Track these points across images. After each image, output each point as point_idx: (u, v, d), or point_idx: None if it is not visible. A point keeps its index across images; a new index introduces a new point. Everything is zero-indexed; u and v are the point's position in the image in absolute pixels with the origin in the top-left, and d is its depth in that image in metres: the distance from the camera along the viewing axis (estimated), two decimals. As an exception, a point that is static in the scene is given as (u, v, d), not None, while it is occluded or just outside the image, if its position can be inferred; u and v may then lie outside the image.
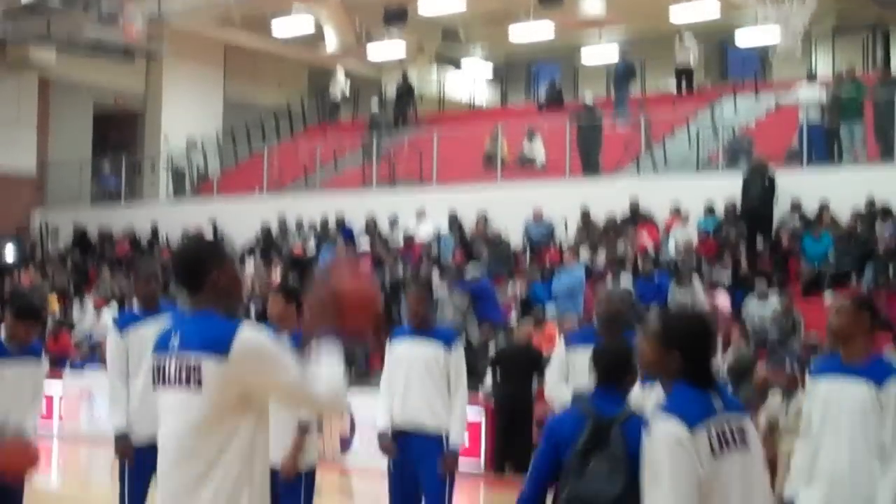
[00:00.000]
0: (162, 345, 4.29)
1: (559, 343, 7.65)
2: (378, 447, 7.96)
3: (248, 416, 4.14)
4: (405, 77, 29.22)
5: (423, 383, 7.61)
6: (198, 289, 4.29)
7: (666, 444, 3.92)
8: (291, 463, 7.22)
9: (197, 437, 4.11)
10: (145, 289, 7.77)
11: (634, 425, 4.50)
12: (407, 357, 7.72)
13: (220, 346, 4.07)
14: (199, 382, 4.10)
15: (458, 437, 7.63)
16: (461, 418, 7.69)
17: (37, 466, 4.69)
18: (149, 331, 7.09)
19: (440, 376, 7.61)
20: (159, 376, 4.25)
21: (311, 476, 7.50)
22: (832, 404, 5.80)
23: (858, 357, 5.82)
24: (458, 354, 7.74)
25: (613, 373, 4.93)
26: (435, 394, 7.60)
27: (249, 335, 4.10)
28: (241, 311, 15.61)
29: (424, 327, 7.82)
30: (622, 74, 25.49)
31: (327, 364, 4.11)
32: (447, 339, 7.76)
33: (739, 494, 4.05)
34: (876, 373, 5.78)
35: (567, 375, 7.25)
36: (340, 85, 30.60)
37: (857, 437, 5.71)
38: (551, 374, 7.42)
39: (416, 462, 7.58)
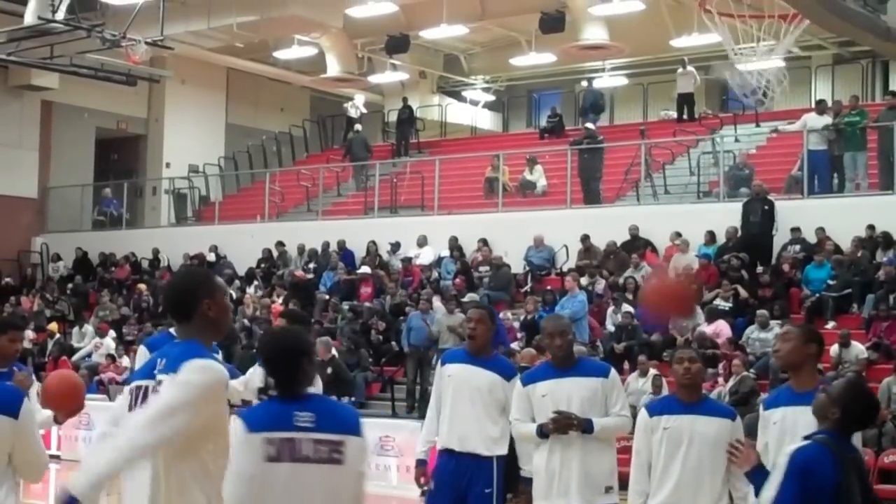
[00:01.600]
0: (147, 372, 4.36)
1: (517, 381, 7.34)
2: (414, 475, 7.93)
3: (207, 444, 4.24)
4: (407, 104, 29.29)
5: (476, 409, 7.46)
6: (187, 318, 4.33)
7: (233, 438, 4.33)
8: None
9: (163, 458, 4.20)
10: None
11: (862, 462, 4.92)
12: (465, 382, 7.50)
13: (175, 368, 4.17)
14: None
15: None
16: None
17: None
18: None
19: (494, 405, 7.46)
20: (136, 403, 4.32)
21: None
22: (787, 431, 5.86)
23: (808, 384, 5.90)
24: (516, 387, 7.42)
25: (863, 421, 5.03)
26: (487, 420, 7.46)
27: (190, 366, 4.16)
28: (234, 337, 15.59)
29: (484, 355, 7.60)
30: (589, 106, 25.74)
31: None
32: (507, 371, 7.57)
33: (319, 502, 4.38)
34: None
35: (531, 413, 7.06)
36: (357, 104, 30.66)
37: None
38: (514, 413, 7.20)
39: (466, 484, 7.46)
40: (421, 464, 7.79)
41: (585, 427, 6.83)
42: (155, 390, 4.27)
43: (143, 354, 7.54)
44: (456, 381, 7.53)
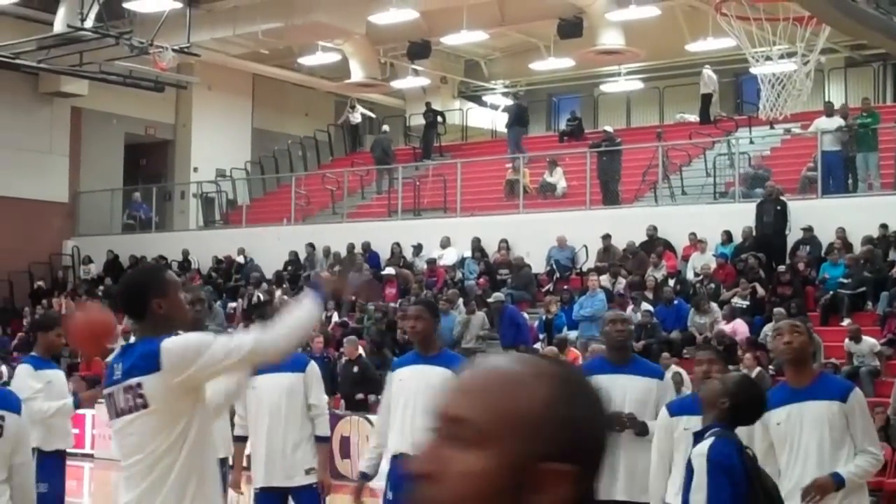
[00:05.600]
0: (109, 377, 4.47)
1: None
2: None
3: (191, 415, 4.37)
4: (431, 108, 29.64)
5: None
6: (140, 316, 4.50)
7: None
8: (326, 476, 7.59)
9: (153, 452, 4.35)
10: (190, 312, 7.67)
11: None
12: (419, 383, 6.96)
13: (151, 363, 4.29)
14: (145, 405, 4.29)
15: None
16: None
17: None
18: None
19: None
20: (112, 409, 4.41)
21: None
22: (794, 428, 5.86)
23: (807, 380, 5.92)
24: None
25: (751, 415, 5.10)
26: None
27: (171, 342, 4.34)
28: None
29: (433, 352, 7.10)
30: (513, 118, 26.15)
31: (298, 310, 4.41)
32: (456, 365, 6.85)
33: None
34: (831, 390, 5.91)
35: None
36: (358, 111, 31.20)
37: (824, 454, 5.80)
38: None
39: None
40: (364, 477, 7.37)
41: (641, 430, 6.75)
42: (134, 392, 4.32)
43: (25, 374, 7.72)
44: (408, 384, 7.05)
